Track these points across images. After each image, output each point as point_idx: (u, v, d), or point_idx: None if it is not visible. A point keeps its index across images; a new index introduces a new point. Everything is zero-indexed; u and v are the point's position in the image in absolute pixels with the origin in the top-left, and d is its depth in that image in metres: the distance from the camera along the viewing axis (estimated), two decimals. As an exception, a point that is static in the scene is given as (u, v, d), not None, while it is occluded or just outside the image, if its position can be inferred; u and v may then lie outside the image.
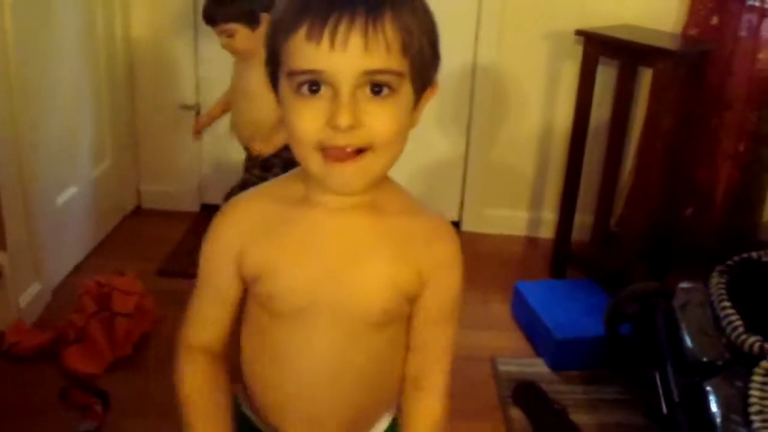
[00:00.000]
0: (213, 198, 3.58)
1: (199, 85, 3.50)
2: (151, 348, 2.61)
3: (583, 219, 3.31)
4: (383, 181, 1.14)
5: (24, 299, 2.68)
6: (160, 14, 3.29)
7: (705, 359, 2.08)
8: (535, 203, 3.58)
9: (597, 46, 2.97)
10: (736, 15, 3.02)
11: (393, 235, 1.15)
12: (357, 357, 1.17)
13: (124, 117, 3.45)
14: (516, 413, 2.41)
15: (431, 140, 3.50)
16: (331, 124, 0.99)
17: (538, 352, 2.70)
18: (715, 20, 3.06)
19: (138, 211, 3.65)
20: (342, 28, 0.96)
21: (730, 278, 2.24)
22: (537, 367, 2.63)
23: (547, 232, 3.53)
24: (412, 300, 1.18)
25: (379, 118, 1.01)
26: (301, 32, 0.98)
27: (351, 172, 1.04)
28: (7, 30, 2.49)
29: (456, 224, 3.61)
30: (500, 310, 2.96)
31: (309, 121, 1.01)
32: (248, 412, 1.28)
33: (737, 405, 1.93)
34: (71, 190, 3.03)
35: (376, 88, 1.00)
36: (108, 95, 3.29)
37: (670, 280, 2.66)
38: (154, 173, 3.58)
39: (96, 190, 3.24)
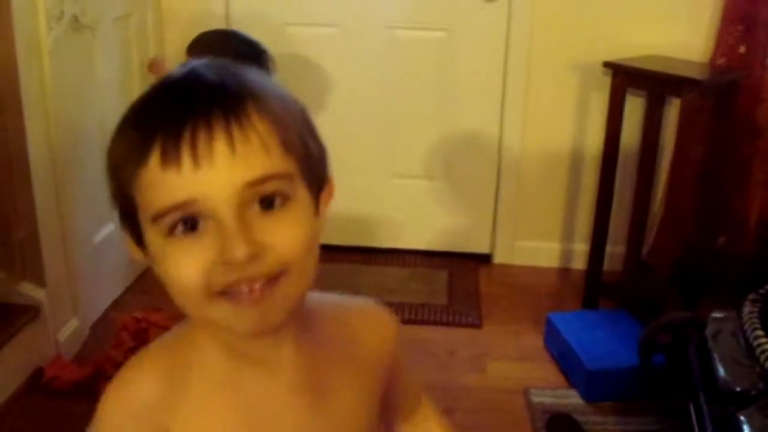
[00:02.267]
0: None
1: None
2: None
3: (614, 249, 3.30)
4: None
5: (63, 334, 2.73)
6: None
7: (738, 389, 2.07)
8: (567, 234, 3.58)
9: (625, 78, 2.99)
10: (764, 43, 3.02)
11: (342, 344, 0.99)
12: None
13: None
14: (550, 445, 2.42)
15: (462, 173, 3.53)
16: (224, 259, 0.78)
17: (572, 383, 2.70)
18: (742, 49, 3.06)
19: (173, 247, 3.69)
20: (202, 138, 0.77)
21: (762, 307, 2.23)
22: (571, 399, 2.62)
23: (579, 263, 3.53)
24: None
25: (283, 235, 0.81)
26: (153, 160, 0.78)
27: (266, 311, 0.82)
28: (46, 71, 2.56)
29: (488, 257, 3.63)
30: (533, 341, 2.96)
31: (193, 265, 0.79)
32: None
33: (772, 435, 1.92)
34: (108, 228, 3.08)
35: (266, 202, 0.80)
36: (143, 134, 3.36)
37: (703, 309, 2.65)
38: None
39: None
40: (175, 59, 3.41)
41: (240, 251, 0.77)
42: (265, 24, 3.38)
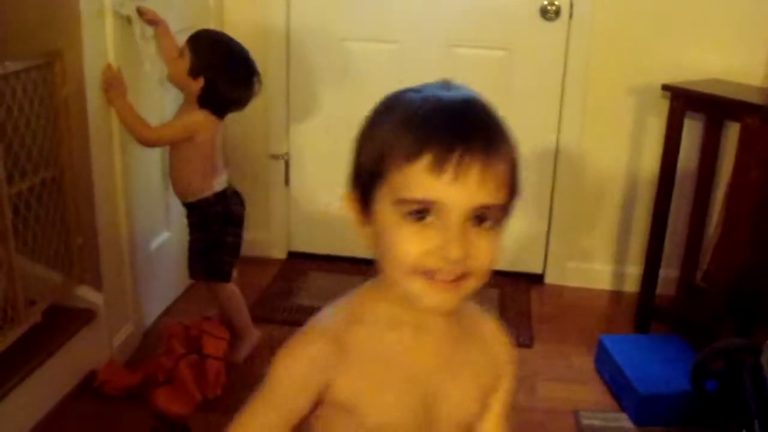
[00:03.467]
0: (301, 246, 3.66)
1: (289, 135, 3.59)
2: (239, 391, 2.66)
3: (667, 273, 3.28)
4: None
5: (117, 339, 2.77)
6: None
7: (794, 418, 2.04)
8: (620, 257, 3.56)
9: (684, 101, 2.97)
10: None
11: (475, 341, 1.20)
12: None
13: (216, 165, 3.55)
14: (599, 467, 2.40)
15: (515, 192, 3.52)
16: (442, 254, 1.00)
17: (622, 407, 2.68)
18: (804, 74, 3.04)
19: (226, 257, 3.73)
20: (465, 162, 0.97)
21: (820, 336, 2.20)
22: (621, 422, 2.60)
23: (631, 285, 3.51)
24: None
25: (483, 250, 1.02)
26: (423, 162, 0.98)
27: (450, 296, 1.05)
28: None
29: (539, 277, 3.62)
30: (584, 363, 2.94)
31: (416, 247, 1.01)
32: None
33: (828, 465, 1.89)
34: (165, 235, 3.13)
35: (480, 219, 1.02)
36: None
37: (758, 336, 2.62)
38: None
39: (188, 235, 3.33)
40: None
41: (456, 253, 0.99)
42: (324, 38, 3.42)
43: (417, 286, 1.03)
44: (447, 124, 1.00)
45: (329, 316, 1.15)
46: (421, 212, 1.00)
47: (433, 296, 1.04)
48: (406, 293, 1.06)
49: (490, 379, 1.21)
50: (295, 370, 1.12)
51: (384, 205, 1.04)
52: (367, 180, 1.05)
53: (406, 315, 1.11)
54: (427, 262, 1.01)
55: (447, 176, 0.97)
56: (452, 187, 0.98)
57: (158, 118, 2.88)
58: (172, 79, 2.66)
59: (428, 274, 1.02)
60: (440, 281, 1.02)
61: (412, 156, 0.98)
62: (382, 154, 1.02)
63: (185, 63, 2.59)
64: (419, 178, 0.98)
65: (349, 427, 1.14)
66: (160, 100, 2.98)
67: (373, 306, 1.14)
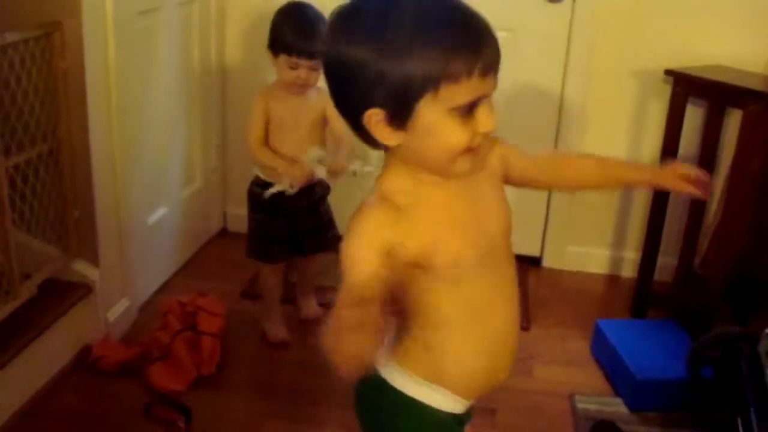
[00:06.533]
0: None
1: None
2: (234, 368, 2.66)
3: (665, 260, 3.27)
4: None
5: (113, 314, 2.77)
6: (253, 44, 3.35)
7: (791, 407, 2.04)
8: (618, 242, 3.55)
9: (686, 86, 2.95)
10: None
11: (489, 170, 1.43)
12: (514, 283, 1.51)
13: (214, 141, 3.54)
14: (593, 452, 2.40)
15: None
16: (485, 131, 1.24)
17: (617, 392, 2.67)
18: (807, 61, 3.02)
19: (223, 233, 3.72)
20: (496, 63, 1.22)
21: (818, 325, 2.20)
22: (616, 407, 2.60)
23: (628, 271, 3.50)
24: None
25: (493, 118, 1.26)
26: (476, 74, 1.18)
27: (478, 159, 1.29)
28: (110, 52, 2.59)
29: (537, 260, 3.62)
30: (580, 347, 2.94)
31: (467, 134, 1.22)
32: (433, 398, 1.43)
33: (823, 455, 1.89)
34: (162, 211, 3.12)
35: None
36: (200, 120, 3.38)
37: (755, 324, 2.62)
38: (241, 197, 3.63)
39: (185, 211, 3.32)
40: (236, 41, 3.45)
41: (494, 127, 1.25)
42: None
43: (462, 163, 1.26)
44: (478, 39, 1.20)
45: (373, 202, 1.30)
46: (470, 109, 1.21)
47: (470, 164, 1.27)
48: (447, 171, 1.28)
49: (501, 180, 1.47)
50: (368, 239, 1.25)
51: (433, 113, 1.20)
52: (404, 97, 1.19)
53: (426, 179, 1.31)
54: (473, 142, 1.23)
55: (490, 78, 1.21)
56: (492, 82, 1.22)
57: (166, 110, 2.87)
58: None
59: (472, 150, 1.25)
60: (476, 151, 1.26)
61: (470, 71, 1.17)
62: (444, 74, 1.17)
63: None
64: (471, 85, 1.18)
65: (434, 280, 1.32)
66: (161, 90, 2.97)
67: (403, 183, 1.31)
